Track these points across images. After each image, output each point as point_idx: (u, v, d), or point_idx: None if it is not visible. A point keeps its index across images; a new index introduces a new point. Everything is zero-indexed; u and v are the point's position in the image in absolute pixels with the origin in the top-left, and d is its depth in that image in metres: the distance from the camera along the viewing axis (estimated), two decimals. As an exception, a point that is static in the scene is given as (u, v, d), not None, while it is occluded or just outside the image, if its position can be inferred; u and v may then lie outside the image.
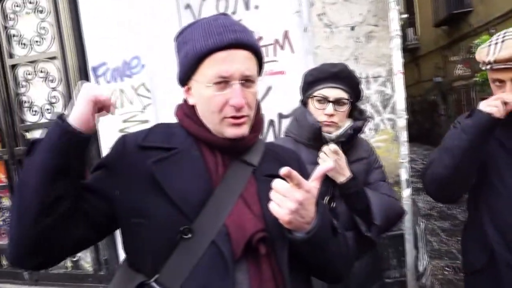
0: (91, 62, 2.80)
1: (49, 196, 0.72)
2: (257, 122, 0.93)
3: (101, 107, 0.81)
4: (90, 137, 0.79)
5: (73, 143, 0.75)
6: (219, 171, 0.85)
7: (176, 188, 0.79)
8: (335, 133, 1.45)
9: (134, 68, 2.73)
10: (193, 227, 0.77)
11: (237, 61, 0.82)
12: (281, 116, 2.47)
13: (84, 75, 2.80)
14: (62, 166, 0.74)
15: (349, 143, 1.48)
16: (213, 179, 0.83)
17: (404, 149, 2.19)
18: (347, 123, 1.48)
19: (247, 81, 0.84)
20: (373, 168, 1.55)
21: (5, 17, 2.92)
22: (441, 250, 4.43)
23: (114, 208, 0.84)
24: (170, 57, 2.69)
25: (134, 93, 2.76)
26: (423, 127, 16.20)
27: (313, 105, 1.48)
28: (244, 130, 0.86)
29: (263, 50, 2.43)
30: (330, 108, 1.43)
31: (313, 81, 1.49)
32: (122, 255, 2.96)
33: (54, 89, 2.87)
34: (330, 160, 1.35)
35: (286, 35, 2.43)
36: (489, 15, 10.55)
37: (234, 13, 2.59)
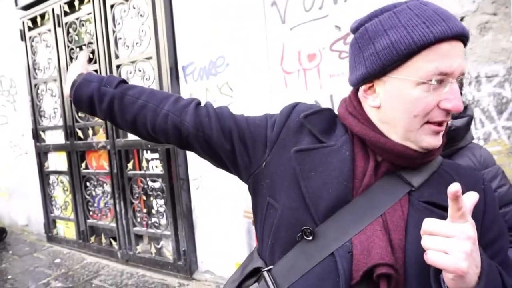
0: (181, 62, 2.95)
1: None
2: (443, 135, 0.74)
3: None
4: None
5: None
6: (365, 181, 0.73)
7: (311, 186, 0.73)
8: None
9: (219, 67, 2.78)
10: (316, 231, 0.71)
11: (459, 56, 0.66)
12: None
13: (175, 73, 2.96)
14: None
15: (446, 145, 1.22)
16: (355, 187, 0.73)
17: (524, 166, 1.76)
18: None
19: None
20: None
21: (114, 22, 3.26)
22: None
23: (252, 174, 0.82)
24: (253, 56, 2.69)
25: (218, 92, 2.81)
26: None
27: None
28: (441, 140, 0.71)
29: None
30: None
31: None
32: (199, 248, 3.09)
33: (149, 87, 3.09)
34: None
35: (377, 30, 2.17)
36: None
37: (321, 8, 2.43)
